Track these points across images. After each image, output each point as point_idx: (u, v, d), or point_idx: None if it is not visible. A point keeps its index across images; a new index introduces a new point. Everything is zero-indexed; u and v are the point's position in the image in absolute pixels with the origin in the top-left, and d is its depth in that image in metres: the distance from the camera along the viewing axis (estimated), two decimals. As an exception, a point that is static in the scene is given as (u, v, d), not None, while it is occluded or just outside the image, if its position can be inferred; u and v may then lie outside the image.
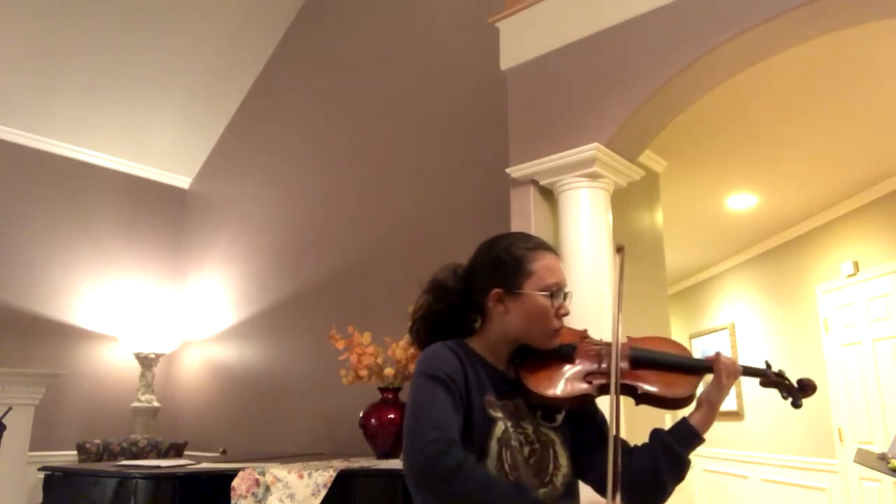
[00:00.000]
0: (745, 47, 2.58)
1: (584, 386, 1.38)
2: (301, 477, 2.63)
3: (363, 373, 3.11)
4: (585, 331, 1.50)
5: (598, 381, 1.38)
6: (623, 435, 1.56)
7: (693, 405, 1.43)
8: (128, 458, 3.85)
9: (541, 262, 1.40)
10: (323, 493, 2.58)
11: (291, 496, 2.59)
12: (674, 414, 1.46)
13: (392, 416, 3.08)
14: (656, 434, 1.41)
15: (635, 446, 1.44)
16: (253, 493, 2.61)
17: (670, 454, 1.37)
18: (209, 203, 5.33)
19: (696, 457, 1.44)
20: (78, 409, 4.61)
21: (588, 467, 1.42)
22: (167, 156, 5.29)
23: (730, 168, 4.28)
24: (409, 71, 4.23)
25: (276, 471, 2.65)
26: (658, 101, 2.75)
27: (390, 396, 3.16)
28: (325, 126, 4.63)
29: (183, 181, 5.50)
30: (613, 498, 1.20)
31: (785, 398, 1.48)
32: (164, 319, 4.88)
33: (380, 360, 3.12)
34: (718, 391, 1.40)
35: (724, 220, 5.25)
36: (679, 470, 1.38)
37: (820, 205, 4.98)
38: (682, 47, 2.64)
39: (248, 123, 5.21)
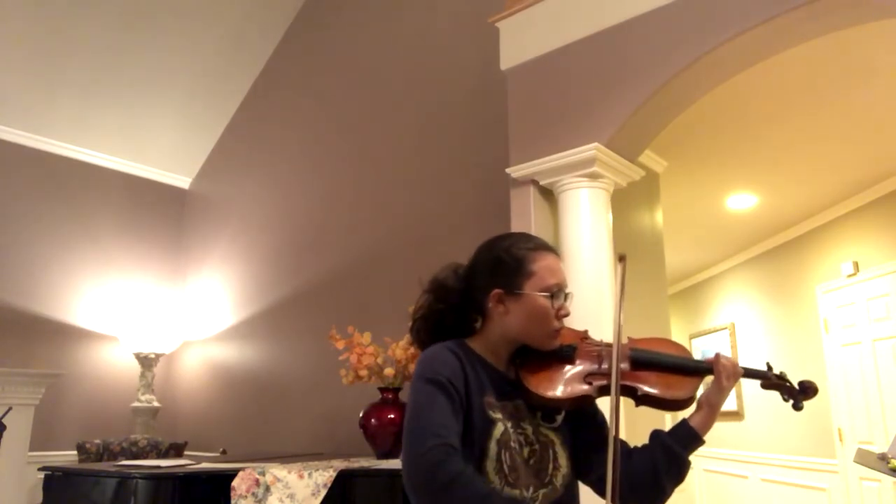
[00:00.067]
0: (745, 47, 2.59)
1: (585, 387, 1.37)
2: (301, 477, 2.63)
3: (363, 373, 3.11)
4: (586, 331, 1.50)
5: (598, 382, 1.38)
6: (623, 436, 1.56)
7: (693, 406, 1.43)
8: (128, 458, 3.85)
9: (541, 263, 1.40)
10: (323, 493, 2.58)
11: (291, 496, 2.59)
12: (674, 415, 1.46)
13: (392, 416, 3.08)
14: (656, 435, 1.41)
15: (635, 447, 1.44)
16: (253, 493, 2.61)
17: (670, 455, 1.37)
18: (209, 203, 5.32)
19: (697, 457, 1.44)
20: (78, 409, 4.61)
21: (588, 468, 1.42)
22: (167, 156, 5.29)
23: (730, 168, 4.28)
24: (408, 71, 4.23)
25: (276, 471, 2.65)
26: (658, 101, 2.75)
27: (390, 396, 3.16)
28: (325, 126, 4.63)
29: (183, 181, 5.49)
30: (613, 499, 1.20)
31: (786, 400, 1.47)
32: (164, 319, 4.88)
33: (380, 360, 3.12)
34: (719, 393, 1.40)
35: (724, 220, 5.25)
36: (679, 471, 1.37)
37: (820, 205, 4.98)
38: (682, 47, 2.64)
39: (248, 123, 5.21)
